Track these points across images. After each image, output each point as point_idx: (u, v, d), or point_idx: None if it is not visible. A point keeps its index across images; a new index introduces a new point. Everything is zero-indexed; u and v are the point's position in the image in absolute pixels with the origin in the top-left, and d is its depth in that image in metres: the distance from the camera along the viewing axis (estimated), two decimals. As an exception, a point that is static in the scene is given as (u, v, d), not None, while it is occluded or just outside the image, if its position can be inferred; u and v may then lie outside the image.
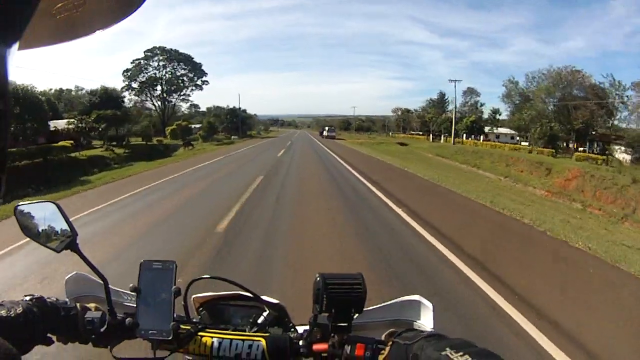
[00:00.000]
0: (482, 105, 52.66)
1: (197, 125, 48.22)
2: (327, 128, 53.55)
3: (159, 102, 48.43)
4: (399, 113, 69.80)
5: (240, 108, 56.34)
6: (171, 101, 49.71)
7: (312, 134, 68.08)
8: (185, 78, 49.50)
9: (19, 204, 0.71)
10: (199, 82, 51.05)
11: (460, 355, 0.48)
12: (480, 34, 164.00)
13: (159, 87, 48.16)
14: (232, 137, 45.39)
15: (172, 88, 48.44)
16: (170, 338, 0.68)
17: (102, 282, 0.72)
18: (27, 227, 0.71)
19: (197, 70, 50.49)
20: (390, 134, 66.62)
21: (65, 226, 0.69)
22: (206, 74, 51.08)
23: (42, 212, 0.71)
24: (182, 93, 50.02)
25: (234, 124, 51.38)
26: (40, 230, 0.71)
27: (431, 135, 52.73)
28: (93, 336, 0.70)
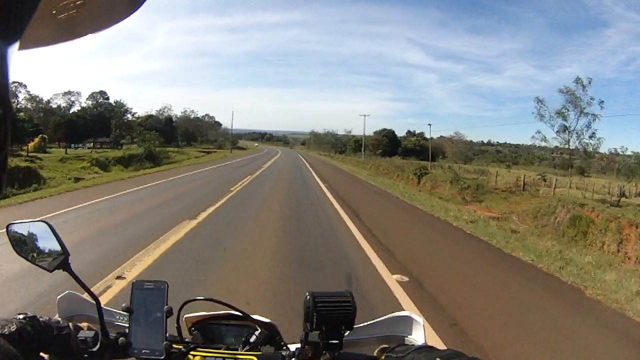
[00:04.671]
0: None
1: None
2: None
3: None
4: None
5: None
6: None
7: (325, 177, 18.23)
8: None
9: (11, 222, 0.71)
10: None
11: None
12: (476, 58, 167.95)
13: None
14: None
15: None
16: (162, 357, 0.68)
17: (94, 301, 0.71)
18: (20, 246, 0.71)
19: None
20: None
21: (57, 246, 0.69)
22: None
23: (34, 231, 0.71)
24: None
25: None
26: (32, 249, 0.70)
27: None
28: (86, 355, 0.69)
